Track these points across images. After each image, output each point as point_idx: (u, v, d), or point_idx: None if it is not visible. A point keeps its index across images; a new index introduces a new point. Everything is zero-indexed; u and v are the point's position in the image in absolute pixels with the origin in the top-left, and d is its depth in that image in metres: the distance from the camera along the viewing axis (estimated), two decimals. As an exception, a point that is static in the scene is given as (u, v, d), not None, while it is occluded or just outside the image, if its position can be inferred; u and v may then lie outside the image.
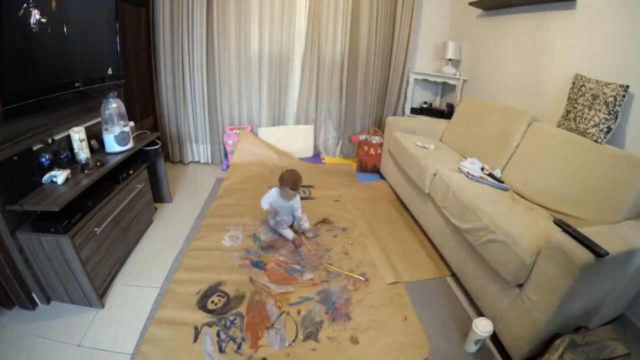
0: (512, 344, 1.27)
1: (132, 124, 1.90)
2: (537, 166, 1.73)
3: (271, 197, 1.99)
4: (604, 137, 1.53)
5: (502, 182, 1.83)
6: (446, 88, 3.28)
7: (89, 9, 1.64)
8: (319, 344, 1.32)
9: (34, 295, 1.43)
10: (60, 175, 1.36)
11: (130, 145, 1.77)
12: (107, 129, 1.68)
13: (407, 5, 2.88)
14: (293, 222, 2.08)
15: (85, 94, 1.67)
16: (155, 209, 2.22)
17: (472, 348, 1.32)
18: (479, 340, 1.30)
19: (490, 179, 1.83)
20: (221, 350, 1.27)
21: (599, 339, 1.15)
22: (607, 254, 1.00)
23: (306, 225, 2.04)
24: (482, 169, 1.96)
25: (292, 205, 2.02)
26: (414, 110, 3.23)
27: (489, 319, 1.32)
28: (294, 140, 3.27)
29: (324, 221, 2.18)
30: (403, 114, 3.28)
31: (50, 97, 1.40)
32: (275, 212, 2.01)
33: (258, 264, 1.75)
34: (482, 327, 1.27)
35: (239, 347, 1.29)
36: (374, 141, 3.04)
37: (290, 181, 1.90)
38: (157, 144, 2.07)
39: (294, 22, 2.90)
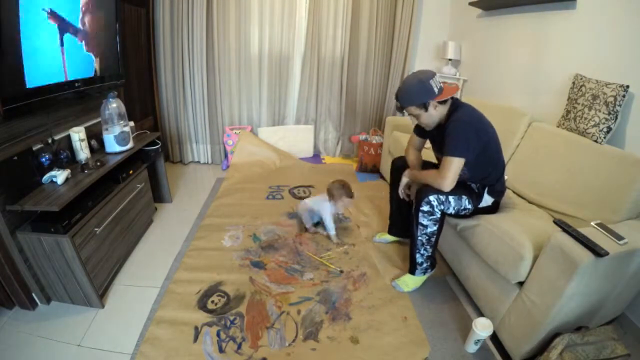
0: (512, 344, 1.27)
1: (132, 124, 1.90)
2: (537, 166, 1.73)
3: (330, 216, 1.95)
4: (604, 137, 1.53)
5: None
6: (446, 88, 3.27)
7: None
8: (319, 343, 1.32)
9: (34, 295, 1.43)
10: (60, 175, 1.36)
11: (130, 145, 1.77)
12: (107, 129, 1.68)
13: (407, 5, 2.88)
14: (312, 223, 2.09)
15: (85, 94, 1.67)
16: (155, 209, 2.22)
17: (472, 348, 1.32)
18: (479, 340, 1.30)
19: None
20: (221, 350, 1.27)
21: (599, 338, 1.15)
22: (607, 254, 1.00)
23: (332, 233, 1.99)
24: None
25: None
26: (414, 110, 3.23)
27: (489, 318, 1.32)
28: (294, 140, 3.27)
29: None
30: (403, 114, 3.27)
31: (50, 97, 1.40)
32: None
33: (258, 264, 1.75)
34: (482, 327, 1.27)
35: (239, 347, 1.29)
36: (374, 141, 3.04)
37: (346, 189, 1.91)
38: (157, 144, 2.07)
39: (294, 22, 2.90)
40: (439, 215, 1.43)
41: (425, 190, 1.42)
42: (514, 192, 1.79)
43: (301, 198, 2.49)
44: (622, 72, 1.55)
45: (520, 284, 1.25)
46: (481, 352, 1.33)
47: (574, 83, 1.72)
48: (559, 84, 1.90)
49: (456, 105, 1.42)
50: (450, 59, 2.95)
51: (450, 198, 1.41)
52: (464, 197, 1.44)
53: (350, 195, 1.93)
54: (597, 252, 1.00)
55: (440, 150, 1.41)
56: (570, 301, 1.09)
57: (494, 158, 1.45)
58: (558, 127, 1.78)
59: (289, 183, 2.72)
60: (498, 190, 1.52)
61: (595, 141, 1.54)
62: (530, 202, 1.68)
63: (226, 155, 3.09)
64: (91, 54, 1.69)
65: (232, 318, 1.41)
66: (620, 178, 1.35)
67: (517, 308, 1.24)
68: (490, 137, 1.40)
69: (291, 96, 3.22)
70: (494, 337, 1.37)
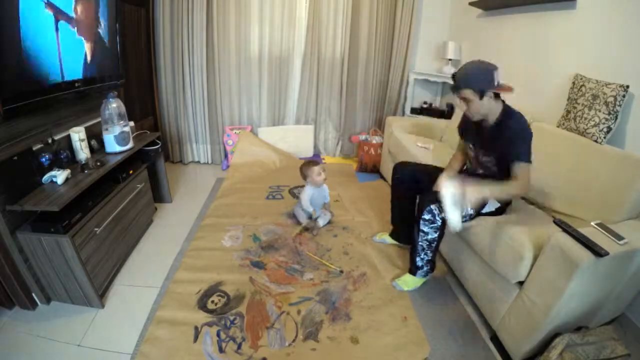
0: (512, 344, 1.27)
1: (132, 124, 1.90)
2: (537, 166, 1.72)
3: (308, 196, 2.06)
4: (604, 137, 1.53)
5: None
6: (446, 88, 3.27)
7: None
8: (319, 344, 1.32)
9: (34, 295, 1.43)
10: (60, 175, 1.36)
11: (130, 145, 1.77)
12: (107, 129, 1.68)
13: (407, 5, 2.88)
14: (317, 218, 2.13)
15: (85, 94, 1.67)
16: (155, 208, 2.22)
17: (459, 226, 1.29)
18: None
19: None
20: (221, 350, 1.27)
21: (599, 338, 1.15)
22: (607, 254, 1.00)
23: (321, 223, 2.10)
24: None
25: (324, 194, 2.12)
26: (414, 110, 3.23)
27: (489, 318, 1.32)
28: (294, 140, 3.27)
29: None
30: (403, 114, 3.28)
31: (50, 97, 1.40)
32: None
33: (258, 264, 1.75)
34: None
35: (239, 347, 1.29)
36: (374, 141, 3.04)
37: (309, 163, 2.03)
38: (157, 144, 2.07)
39: (294, 22, 2.91)
40: (439, 224, 1.45)
41: (427, 199, 1.43)
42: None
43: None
44: (622, 72, 1.55)
45: (520, 283, 1.25)
46: (481, 352, 1.33)
47: (574, 83, 1.72)
48: (559, 84, 1.90)
49: (510, 109, 1.39)
50: (450, 59, 2.95)
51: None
52: None
53: (314, 163, 2.03)
54: (597, 252, 1.00)
55: (489, 149, 1.42)
56: (570, 301, 1.09)
57: None
58: (558, 127, 1.78)
59: (289, 183, 2.72)
60: None
61: (595, 141, 1.54)
62: (530, 202, 1.68)
63: (226, 155, 3.09)
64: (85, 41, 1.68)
65: (232, 318, 1.41)
66: (620, 178, 1.35)
67: (517, 308, 1.24)
68: None
69: (291, 96, 3.22)
70: (494, 337, 1.37)
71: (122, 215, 1.67)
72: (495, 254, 1.32)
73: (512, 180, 1.33)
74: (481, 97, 1.32)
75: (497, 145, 1.38)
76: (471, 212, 1.46)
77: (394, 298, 1.57)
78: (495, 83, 1.31)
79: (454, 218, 1.28)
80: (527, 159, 1.32)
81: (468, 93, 1.33)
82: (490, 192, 1.33)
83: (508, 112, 1.38)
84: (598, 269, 1.05)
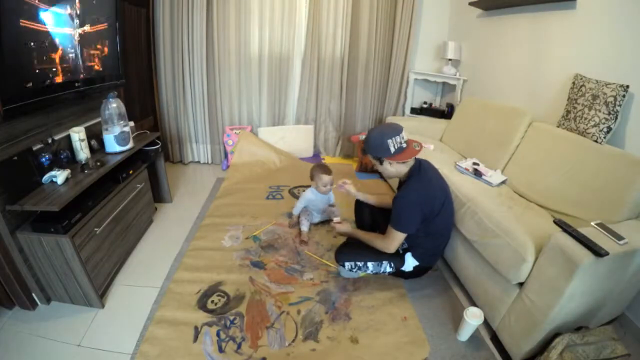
0: (512, 344, 1.27)
1: (132, 124, 1.90)
2: (537, 166, 1.73)
3: (305, 201, 2.05)
4: (604, 137, 1.53)
5: (488, 179, 1.84)
6: (446, 88, 3.28)
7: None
8: (318, 344, 1.32)
9: (34, 295, 1.43)
10: (60, 175, 1.36)
11: (130, 145, 1.77)
12: (107, 129, 1.68)
13: (407, 5, 2.88)
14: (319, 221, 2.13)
15: (85, 94, 1.67)
16: (155, 208, 2.22)
17: (464, 337, 1.36)
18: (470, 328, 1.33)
19: (469, 171, 1.88)
20: (221, 349, 1.27)
21: (599, 338, 1.15)
22: (607, 254, 1.00)
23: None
24: (473, 164, 1.98)
25: (328, 197, 2.10)
26: (414, 110, 3.24)
27: (489, 318, 1.32)
28: (294, 140, 3.27)
29: (324, 221, 2.18)
30: (403, 114, 3.28)
31: (50, 97, 1.40)
32: (307, 213, 2.08)
33: (258, 264, 1.75)
34: (473, 315, 1.32)
35: (239, 346, 1.29)
36: (374, 141, 3.03)
37: (323, 168, 2.00)
38: (157, 143, 2.07)
39: (294, 22, 2.91)
40: (359, 275, 1.63)
41: (340, 254, 1.58)
42: (514, 191, 1.79)
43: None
44: (622, 72, 1.55)
45: (520, 284, 1.25)
46: (481, 352, 1.33)
47: (574, 83, 1.72)
48: (559, 84, 1.90)
49: (417, 169, 1.43)
50: (450, 59, 2.95)
51: (369, 264, 1.54)
52: (385, 262, 1.53)
53: (326, 171, 1.99)
54: (597, 252, 1.00)
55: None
56: (571, 301, 1.09)
57: (431, 230, 1.48)
58: (558, 127, 1.78)
59: (289, 183, 2.72)
60: (422, 254, 1.55)
61: (595, 141, 1.54)
62: (530, 202, 1.68)
63: (226, 155, 3.09)
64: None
65: (232, 318, 1.41)
66: (620, 178, 1.35)
67: (517, 308, 1.24)
68: (434, 213, 1.42)
69: (291, 96, 3.22)
70: (494, 337, 1.37)
71: (122, 215, 1.67)
72: (496, 254, 1.32)
73: (383, 235, 1.48)
74: (380, 163, 1.44)
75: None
76: (390, 270, 1.54)
77: (394, 298, 1.57)
78: (392, 150, 1.36)
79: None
80: (395, 225, 1.40)
81: (371, 158, 1.48)
82: (357, 232, 1.62)
83: (412, 175, 1.43)
84: (598, 269, 1.05)
